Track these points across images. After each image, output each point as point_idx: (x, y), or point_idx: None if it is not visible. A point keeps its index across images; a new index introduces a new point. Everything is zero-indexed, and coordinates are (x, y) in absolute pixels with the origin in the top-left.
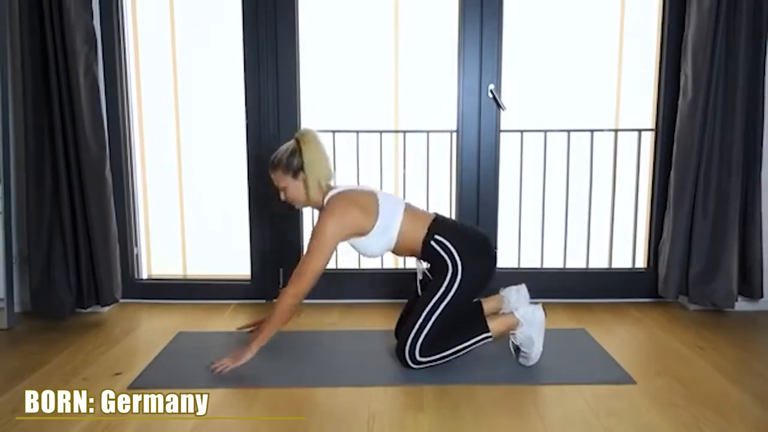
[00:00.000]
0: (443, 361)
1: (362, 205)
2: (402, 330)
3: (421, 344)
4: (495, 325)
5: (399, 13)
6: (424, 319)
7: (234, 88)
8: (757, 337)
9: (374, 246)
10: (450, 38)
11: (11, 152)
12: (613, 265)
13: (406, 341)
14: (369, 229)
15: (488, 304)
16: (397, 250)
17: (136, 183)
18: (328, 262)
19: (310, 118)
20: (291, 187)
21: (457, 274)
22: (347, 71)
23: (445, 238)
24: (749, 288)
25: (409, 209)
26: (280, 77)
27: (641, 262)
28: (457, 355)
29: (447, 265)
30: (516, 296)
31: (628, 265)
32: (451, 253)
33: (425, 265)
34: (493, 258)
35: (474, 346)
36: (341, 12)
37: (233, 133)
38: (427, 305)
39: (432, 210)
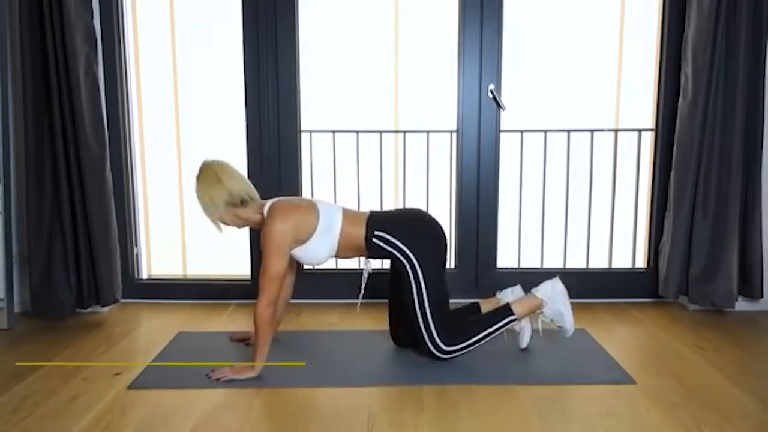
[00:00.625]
0: (474, 346)
1: (302, 207)
2: (406, 336)
3: (438, 336)
4: (518, 308)
5: (399, 13)
6: (422, 317)
7: (234, 88)
8: (758, 337)
9: (319, 248)
10: (450, 38)
11: (11, 152)
12: (613, 265)
13: (425, 342)
14: (312, 231)
15: (486, 306)
16: (341, 251)
17: (136, 183)
18: (286, 264)
19: (310, 118)
20: (225, 219)
21: (413, 263)
22: (347, 71)
23: (384, 232)
24: (749, 288)
25: (347, 211)
26: (280, 77)
27: (641, 262)
28: (486, 339)
29: (400, 260)
30: (512, 297)
31: (628, 265)
32: (395, 245)
33: (372, 266)
34: (432, 224)
35: (502, 329)
36: (341, 12)
37: (233, 133)
38: (414, 306)
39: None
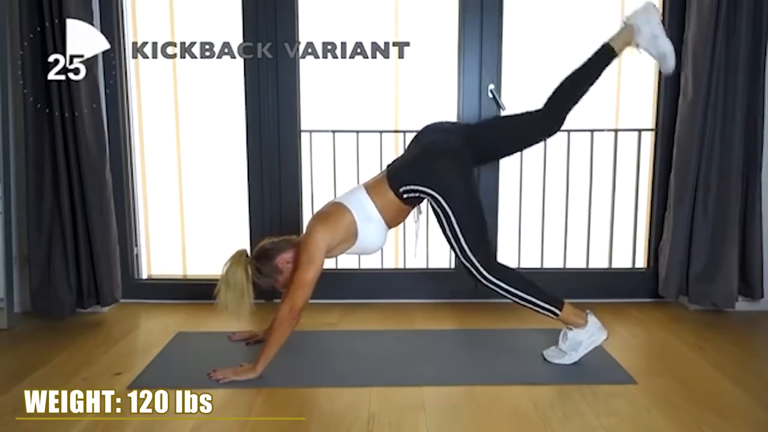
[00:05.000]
0: (511, 296)
1: (333, 211)
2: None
3: (477, 259)
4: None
5: (399, 12)
6: (457, 246)
7: (234, 88)
8: (758, 337)
9: (373, 234)
10: (450, 38)
11: (11, 152)
12: (613, 266)
13: (465, 265)
14: (355, 225)
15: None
16: (393, 221)
17: (136, 183)
18: (317, 274)
19: (310, 118)
20: (281, 277)
21: (439, 199)
22: (347, 71)
23: (407, 182)
24: (749, 288)
25: (369, 185)
26: (280, 77)
27: (641, 263)
28: (522, 303)
29: (429, 198)
30: (648, 27)
31: (628, 265)
32: (421, 190)
33: (419, 223)
34: (445, 148)
35: (538, 311)
36: (341, 11)
37: (233, 133)
38: (448, 236)
39: None
